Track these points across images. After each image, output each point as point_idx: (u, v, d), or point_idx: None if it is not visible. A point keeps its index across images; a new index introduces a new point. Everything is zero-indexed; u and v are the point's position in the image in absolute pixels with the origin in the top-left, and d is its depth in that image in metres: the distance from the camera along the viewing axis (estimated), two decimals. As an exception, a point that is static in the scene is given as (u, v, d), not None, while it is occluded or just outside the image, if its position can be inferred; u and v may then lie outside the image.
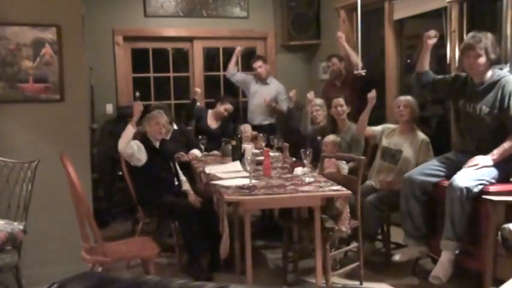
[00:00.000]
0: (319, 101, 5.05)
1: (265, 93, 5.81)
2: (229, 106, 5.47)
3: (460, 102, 3.52)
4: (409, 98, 4.13)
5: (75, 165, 2.99)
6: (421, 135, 4.03)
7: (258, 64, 5.82)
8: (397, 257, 3.70)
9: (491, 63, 3.34)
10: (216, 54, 6.59)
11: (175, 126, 4.92)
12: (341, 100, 4.65)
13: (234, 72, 5.98)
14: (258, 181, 3.56)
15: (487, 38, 3.28)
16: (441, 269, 3.22)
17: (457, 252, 3.22)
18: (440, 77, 3.64)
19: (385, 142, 4.17)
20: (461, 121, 3.56)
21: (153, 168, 4.03)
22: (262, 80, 5.87)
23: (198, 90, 5.70)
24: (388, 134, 4.22)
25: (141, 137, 4.16)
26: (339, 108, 4.65)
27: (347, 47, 5.30)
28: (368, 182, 4.14)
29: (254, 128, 5.50)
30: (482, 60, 3.29)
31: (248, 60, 6.32)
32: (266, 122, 5.86)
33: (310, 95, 4.95)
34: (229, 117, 5.65)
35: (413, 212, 3.53)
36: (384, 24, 5.17)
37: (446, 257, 3.23)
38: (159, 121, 4.12)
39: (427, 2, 4.59)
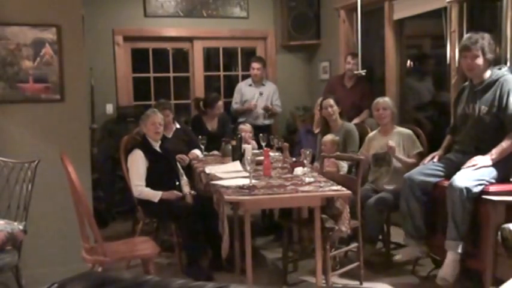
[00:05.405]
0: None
1: (264, 93, 5.87)
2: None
3: (459, 108, 3.55)
4: (386, 99, 4.23)
5: (75, 165, 2.98)
6: (403, 130, 4.14)
7: (257, 66, 5.84)
8: (398, 257, 3.73)
9: (490, 63, 3.35)
10: (216, 54, 6.59)
11: (177, 125, 4.91)
12: (331, 101, 4.61)
13: (235, 107, 5.95)
14: (258, 181, 3.56)
15: (483, 39, 3.28)
16: (447, 270, 3.22)
17: (461, 251, 3.20)
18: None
19: (372, 150, 4.19)
20: (460, 124, 3.56)
21: (154, 170, 4.02)
22: (257, 82, 5.89)
23: None
24: (371, 142, 4.24)
25: (142, 140, 4.15)
26: (329, 109, 4.59)
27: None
28: (367, 186, 4.14)
29: (256, 128, 5.48)
30: (479, 61, 3.30)
31: (248, 59, 6.33)
32: (267, 122, 5.95)
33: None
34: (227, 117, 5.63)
35: (413, 212, 3.53)
36: (384, 24, 5.17)
37: (451, 257, 3.22)
38: (154, 121, 4.10)
39: (427, 2, 4.59)
